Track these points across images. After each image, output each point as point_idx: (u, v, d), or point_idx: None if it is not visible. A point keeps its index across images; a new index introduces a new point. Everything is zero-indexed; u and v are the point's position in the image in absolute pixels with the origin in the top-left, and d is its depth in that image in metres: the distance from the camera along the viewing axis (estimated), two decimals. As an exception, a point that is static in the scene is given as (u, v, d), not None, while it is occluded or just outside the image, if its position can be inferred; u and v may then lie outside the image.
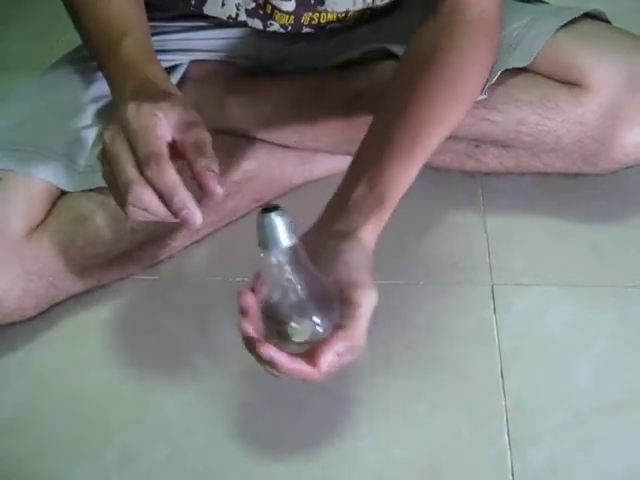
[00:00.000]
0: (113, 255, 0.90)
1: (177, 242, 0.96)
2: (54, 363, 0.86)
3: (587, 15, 0.94)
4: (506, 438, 0.75)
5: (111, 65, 0.76)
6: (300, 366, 0.62)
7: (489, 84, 0.86)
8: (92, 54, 0.80)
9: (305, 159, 1.03)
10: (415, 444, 0.75)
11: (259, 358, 0.63)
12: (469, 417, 0.77)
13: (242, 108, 0.99)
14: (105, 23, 0.77)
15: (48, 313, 0.89)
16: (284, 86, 0.99)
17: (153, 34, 0.96)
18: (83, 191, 0.88)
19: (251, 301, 0.65)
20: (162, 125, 0.65)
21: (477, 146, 0.96)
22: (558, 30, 0.90)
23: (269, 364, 0.62)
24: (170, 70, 0.96)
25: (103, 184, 0.85)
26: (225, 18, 0.93)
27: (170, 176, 0.64)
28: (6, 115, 0.92)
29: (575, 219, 0.96)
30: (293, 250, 0.63)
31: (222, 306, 0.90)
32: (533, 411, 0.77)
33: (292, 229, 0.63)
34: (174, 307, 0.91)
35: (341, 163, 1.04)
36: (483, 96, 0.87)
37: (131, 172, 0.64)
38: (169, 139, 0.66)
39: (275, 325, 0.65)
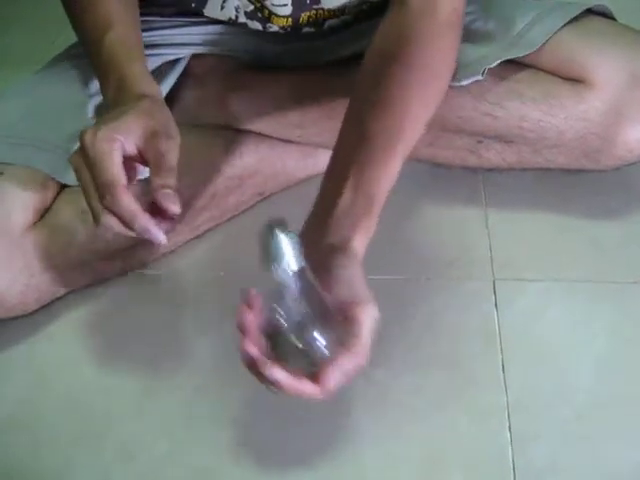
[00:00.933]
0: (114, 250, 0.90)
1: (178, 237, 0.96)
2: (55, 358, 0.86)
3: (591, 11, 0.93)
4: (507, 434, 0.75)
5: (96, 62, 0.78)
6: (306, 387, 0.62)
7: (488, 67, 0.86)
8: (84, 50, 0.82)
9: (307, 153, 1.02)
10: (416, 440, 0.75)
11: (261, 377, 0.62)
12: (470, 413, 0.77)
13: (244, 103, 0.99)
14: (92, 18, 0.79)
15: (49, 308, 0.89)
16: (285, 81, 0.99)
17: (154, 29, 0.97)
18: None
19: (251, 319, 0.64)
20: (118, 149, 0.66)
21: (480, 142, 0.96)
22: (562, 26, 0.90)
23: (273, 385, 0.62)
24: (171, 64, 0.96)
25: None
26: (225, 20, 0.93)
27: (125, 205, 0.65)
28: (6, 110, 0.92)
29: (577, 215, 0.96)
30: (302, 270, 0.63)
31: (224, 301, 0.90)
32: (534, 407, 0.77)
33: (300, 248, 0.62)
34: (175, 302, 0.91)
35: (343, 158, 1.05)
36: (479, 77, 0.87)
37: (94, 202, 0.67)
38: (134, 152, 0.68)
39: (277, 344, 0.64)
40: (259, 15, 0.91)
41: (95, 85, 0.92)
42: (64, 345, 0.87)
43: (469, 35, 0.91)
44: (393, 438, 0.76)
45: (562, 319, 0.85)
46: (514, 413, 0.76)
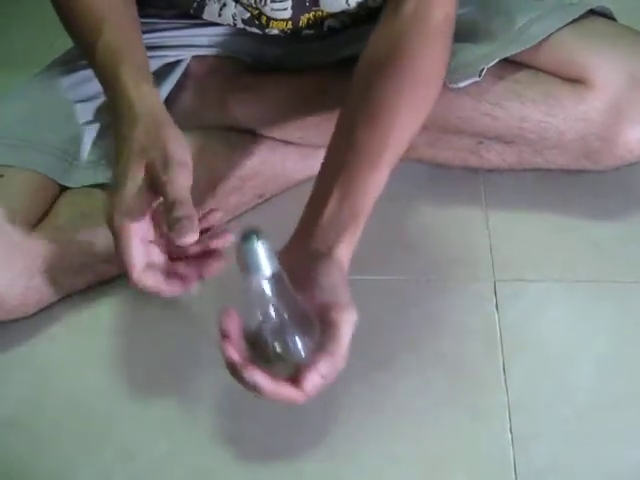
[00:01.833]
0: (114, 251, 0.90)
1: (179, 238, 0.96)
2: (56, 359, 0.86)
3: (592, 12, 0.93)
4: (508, 434, 0.75)
5: (92, 67, 0.80)
6: (285, 391, 0.63)
7: (487, 67, 0.86)
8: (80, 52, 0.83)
9: (307, 155, 1.02)
10: (417, 441, 0.75)
11: (242, 381, 0.63)
12: (471, 413, 0.77)
13: (244, 105, 0.99)
14: (81, 23, 0.80)
15: (50, 309, 0.89)
16: (286, 82, 0.99)
17: (154, 30, 0.97)
18: (84, 187, 0.88)
19: (232, 323, 0.65)
20: (134, 236, 0.69)
21: (480, 142, 0.96)
22: (562, 27, 0.90)
23: (253, 388, 0.63)
24: (171, 66, 0.96)
25: (103, 180, 0.87)
26: (225, 24, 0.93)
27: (148, 286, 0.71)
28: (5, 112, 0.92)
29: (577, 215, 0.96)
30: (276, 276, 0.64)
31: (225, 302, 0.90)
32: (535, 407, 0.77)
33: (273, 255, 0.63)
34: (177, 303, 0.91)
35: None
36: (477, 79, 0.87)
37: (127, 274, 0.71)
38: (151, 206, 0.70)
39: (257, 349, 0.66)
40: (256, 22, 0.91)
41: (94, 87, 0.93)
42: (65, 347, 0.87)
43: (468, 35, 0.91)
44: (394, 439, 0.76)
45: (563, 319, 0.85)
46: (515, 413, 0.76)
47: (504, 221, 0.96)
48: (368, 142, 0.75)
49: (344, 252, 0.70)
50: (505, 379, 0.79)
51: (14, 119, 0.90)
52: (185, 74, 0.98)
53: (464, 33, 0.91)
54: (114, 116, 0.74)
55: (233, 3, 0.90)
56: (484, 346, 0.83)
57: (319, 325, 0.65)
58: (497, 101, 0.91)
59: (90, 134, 0.91)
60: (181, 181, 0.68)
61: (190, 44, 0.98)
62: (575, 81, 0.91)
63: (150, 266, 0.71)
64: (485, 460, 0.73)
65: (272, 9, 0.88)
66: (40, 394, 0.83)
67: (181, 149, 0.70)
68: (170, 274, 0.72)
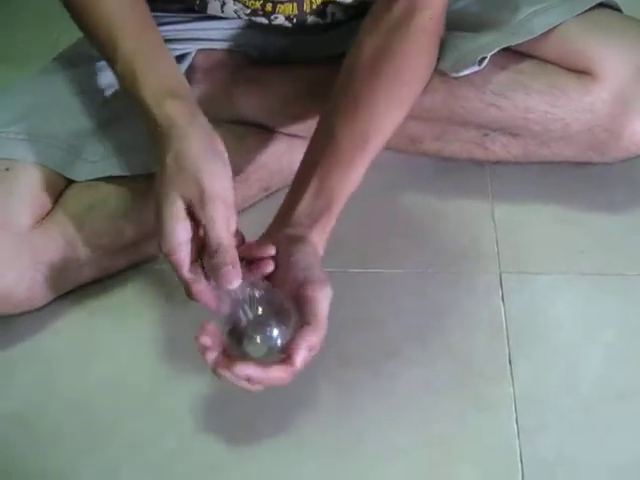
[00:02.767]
0: (120, 245, 0.90)
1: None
2: (62, 353, 0.86)
3: (598, 3, 0.93)
4: (514, 425, 0.75)
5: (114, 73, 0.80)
6: (274, 373, 0.66)
7: (487, 55, 0.86)
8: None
9: (312, 148, 1.03)
10: (422, 432, 0.75)
11: (231, 377, 0.67)
12: (477, 405, 0.77)
13: (250, 98, 0.99)
14: (97, 33, 0.80)
15: (56, 303, 0.89)
16: (291, 75, 0.99)
17: (159, 24, 0.96)
18: (90, 181, 0.88)
19: (209, 336, 0.68)
20: (185, 258, 0.70)
21: (486, 135, 0.96)
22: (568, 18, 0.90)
23: (247, 381, 0.67)
24: (178, 59, 0.96)
25: (110, 174, 0.87)
26: (230, 18, 0.93)
27: (203, 301, 0.72)
28: (11, 106, 0.92)
29: (583, 208, 0.96)
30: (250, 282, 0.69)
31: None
32: (541, 399, 0.77)
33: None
34: (182, 296, 0.90)
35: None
36: (477, 68, 0.87)
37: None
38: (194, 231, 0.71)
39: (234, 342, 0.69)
40: (260, 12, 0.91)
41: (101, 80, 0.93)
42: (71, 341, 0.87)
43: (471, 26, 0.91)
44: (400, 429, 0.76)
45: (569, 311, 0.85)
46: (521, 404, 0.76)
47: (510, 213, 0.96)
48: (344, 140, 0.79)
49: (317, 239, 0.74)
50: (511, 371, 0.79)
51: (19, 113, 0.90)
52: (191, 68, 0.97)
53: (467, 24, 0.91)
54: (147, 130, 0.76)
55: (232, 0, 0.91)
56: (490, 338, 0.83)
57: (297, 302, 0.69)
58: (502, 91, 0.91)
59: (96, 127, 0.91)
60: (221, 221, 0.69)
61: (196, 37, 0.98)
62: (581, 72, 0.90)
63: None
64: (491, 451, 0.73)
65: None
66: (45, 388, 0.83)
67: (216, 180, 0.71)
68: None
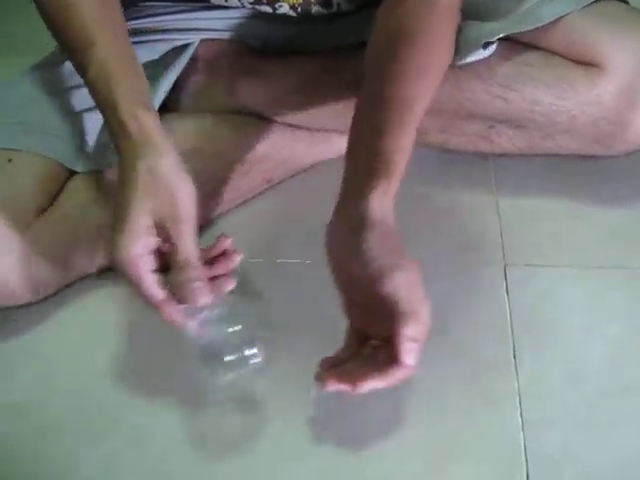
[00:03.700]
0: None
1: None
2: (64, 345, 0.86)
3: None
4: (519, 420, 0.75)
5: (85, 83, 0.77)
6: (394, 374, 0.64)
7: (491, 41, 0.86)
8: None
9: (316, 139, 1.02)
10: (426, 426, 0.75)
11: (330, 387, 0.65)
12: (481, 398, 0.77)
13: (252, 88, 0.98)
14: (70, 38, 0.77)
15: (58, 295, 0.89)
16: (294, 66, 0.98)
17: (163, 14, 0.96)
18: (92, 172, 0.88)
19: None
20: (145, 268, 0.69)
21: (491, 127, 0.96)
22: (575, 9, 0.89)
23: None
24: (180, 49, 0.96)
25: (111, 165, 0.86)
26: (233, 7, 0.93)
27: (169, 319, 0.70)
28: (12, 97, 0.92)
29: (588, 201, 0.96)
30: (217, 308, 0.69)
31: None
32: (546, 392, 0.77)
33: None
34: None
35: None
36: (482, 54, 0.87)
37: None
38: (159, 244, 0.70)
39: (206, 360, 0.70)
40: (264, 1, 0.90)
41: None
42: (73, 332, 0.87)
43: (476, 14, 0.90)
44: (404, 427, 0.76)
45: (573, 305, 0.84)
46: (525, 399, 0.76)
47: (514, 206, 0.96)
48: (393, 103, 0.74)
49: (379, 209, 0.69)
50: (515, 364, 0.79)
51: (20, 103, 0.90)
52: (193, 58, 0.97)
53: (473, 12, 0.90)
54: (112, 138, 0.73)
55: None
56: (494, 331, 0.82)
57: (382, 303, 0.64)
58: (508, 83, 0.91)
59: (98, 119, 0.90)
60: (191, 239, 0.69)
61: (199, 27, 0.98)
62: (588, 64, 0.90)
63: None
64: (495, 446, 0.73)
65: None
66: (45, 382, 0.83)
67: (188, 199, 0.70)
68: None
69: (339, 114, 0.98)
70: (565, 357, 0.80)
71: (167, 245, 0.69)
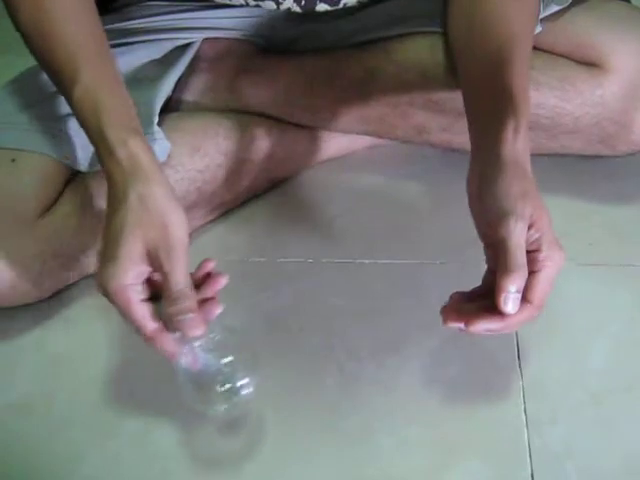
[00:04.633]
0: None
1: (192, 222, 0.95)
2: (69, 343, 0.86)
3: None
4: (523, 417, 0.74)
5: (70, 106, 0.75)
6: (498, 322, 0.65)
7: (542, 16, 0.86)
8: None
9: (318, 138, 1.02)
10: (431, 424, 0.75)
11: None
12: (486, 396, 0.77)
13: (256, 87, 0.98)
14: (56, 66, 0.75)
15: (63, 293, 0.89)
16: (298, 65, 0.98)
17: (165, 13, 0.96)
18: (95, 171, 0.87)
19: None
20: (135, 297, 0.67)
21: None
22: (578, 8, 0.89)
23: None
24: (182, 48, 0.96)
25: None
26: (237, 5, 0.93)
27: (160, 348, 0.68)
28: (16, 96, 0.92)
29: (591, 199, 0.96)
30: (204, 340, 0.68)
31: (237, 286, 0.90)
32: (550, 390, 0.77)
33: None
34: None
35: (355, 143, 1.05)
36: (539, 29, 0.86)
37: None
38: (149, 275, 0.68)
39: (201, 389, 0.69)
40: None
41: None
42: (78, 331, 0.87)
43: None
44: (408, 422, 0.75)
45: (578, 303, 0.84)
46: (529, 397, 0.76)
47: (518, 205, 0.96)
48: (497, 45, 0.75)
49: (508, 155, 0.67)
50: (519, 363, 0.79)
51: (24, 103, 0.90)
52: (196, 57, 0.97)
53: None
54: (101, 164, 0.71)
55: None
56: (498, 329, 0.82)
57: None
58: None
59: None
60: (184, 269, 0.67)
61: (202, 26, 0.97)
62: (590, 65, 0.90)
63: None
64: (499, 444, 0.73)
65: None
66: (52, 379, 0.83)
67: (180, 228, 0.68)
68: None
69: (343, 114, 0.98)
70: (569, 355, 0.79)
71: (157, 274, 0.67)
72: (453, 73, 0.88)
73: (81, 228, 0.86)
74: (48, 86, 0.92)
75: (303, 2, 0.90)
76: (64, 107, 0.90)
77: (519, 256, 0.63)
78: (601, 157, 0.97)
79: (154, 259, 0.67)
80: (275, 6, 0.91)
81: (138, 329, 0.68)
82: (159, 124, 0.88)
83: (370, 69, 0.94)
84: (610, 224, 0.92)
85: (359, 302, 0.86)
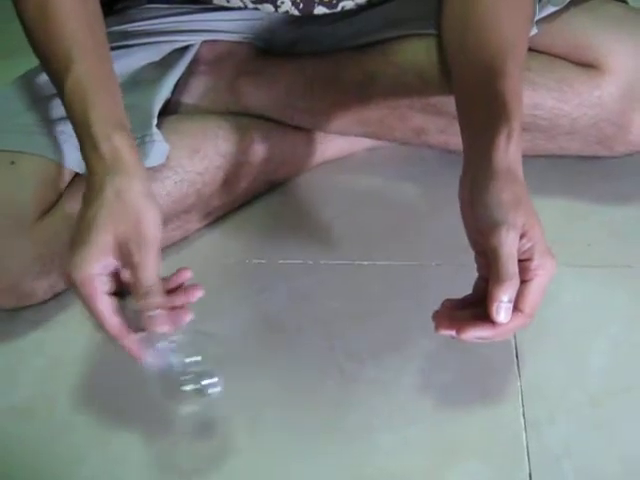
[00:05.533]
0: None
1: (190, 224, 0.96)
2: (70, 345, 0.86)
3: None
4: (521, 419, 0.74)
5: (60, 99, 0.76)
6: (489, 330, 0.65)
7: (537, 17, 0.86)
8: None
9: (318, 141, 1.02)
10: (429, 426, 0.75)
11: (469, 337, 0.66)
12: (484, 398, 0.77)
13: (255, 89, 0.98)
14: (50, 53, 0.76)
15: (63, 295, 0.89)
16: (297, 67, 0.98)
17: (164, 15, 0.96)
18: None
19: None
20: (100, 289, 0.67)
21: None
22: (574, 10, 0.89)
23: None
24: (181, 51, 0.96)
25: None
26: (235, 7, 0.93)
27: (121, 343, 0.68)
28: (15, 98, 0.92)
29: (589, 200, 0.96)
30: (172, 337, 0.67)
31: (236, 288, 0.90)
32: (548, 392, 0.77)
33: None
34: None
35: (353, 144, 1.05)
36: (535, 31, 0.86)
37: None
38: (117, 268, 0.68)
39: (169, 388, 0.68)
40: None
41: None
42: (78, 333, 0.87)
43: None
44: (408, 425, 0.75)
45: (576, 304, 0.84)
46: (528, 398, 0.76)
47: (516, 206, 0.96)
48: (488, 53, 0.75)
49: (501, 162, 0.67)
50: (518, 364, 0.79)
51: (23, 106, 0.90)
52: (195, 59, 0.97)
53: None
54: (83, 155, 0.72)
55: None
56: (496, 331, 0.82)
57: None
58: None
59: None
60: (155, 266, 0.67)
61: (201, 29, 0.97)
62: (588, 66, 0.90)
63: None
64: (498, 446, 0.73)
65: None
66: (53, 381, 0.83)
67: (154, 225, 0.68)
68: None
69: (342, 116, 0.98)
70: (567, 356, 0.80)
71: (125, 271, 0.67)
72: (449, 75, 0.88)
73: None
74: (47, 88, 0.92)
75: (301, 5, 0.91)
76: (63, 109, 0.90)
77: (511, 266, 0.63)
78: (599, 158, 0.97)
79: (124, 253, 0.66)
80: (273, 9, 0.91)
81: (100, 322, 0.67)
82: (158, 126, 0.88)
83: (369, 72, 0.94)
84: (608, 225, 0.92)
85: (358, 303, 0.87)
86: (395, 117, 0.97)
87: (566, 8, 0.89)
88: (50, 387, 0.82)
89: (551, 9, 0.87)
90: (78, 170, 0.87)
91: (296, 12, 0.91)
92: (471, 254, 0.90)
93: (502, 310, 0.64)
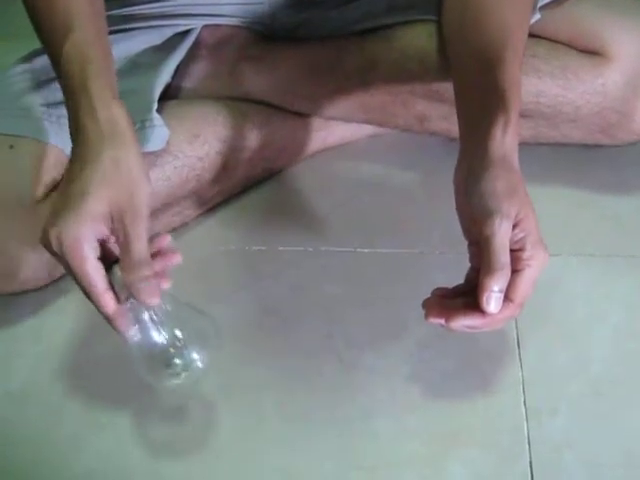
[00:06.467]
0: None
1: (190, 210, 0.95)
2: (67, 331, 0.86)
3: None
4: (523, 408, 0.74)
5: (55, 70, 0.74)
6: (480, 319, 0.65)
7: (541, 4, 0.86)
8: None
9: (318, 127, 1.02)
10: (430, 415, 0.75)
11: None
12: (485, 387, 0.77)
13: (256, 74, 0.98)
14: (50, 21, 0.74)
15: (61, 281, 0.89)
16: (299, 53, 0.97)
17: (165, -1, 0.96)
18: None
19: None
20: (89, 252, 0.64)
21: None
22: None
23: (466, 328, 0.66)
24: (182, 35, 0.95)
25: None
26: None
27: (106, 311, 0.67)
28: (13, 83, 0.91)
29: (593, 189, 0.96)
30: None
31: (235, 275, 0.90)
32: (550, 381, 0.77)
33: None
34: (187, 276, 0.90)
35: (355, 131, 1.04)
36: (537, 16, 0.86)
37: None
38: (106, 236, 0.66)
39: (153, 363, 0.68)
40: None
41: None
42: (75, 319, 0.87)
43: None
44: (408, 413, 0.75)
45: (578, 293, 0.84)
46: (529, 388, 0.76)
47: (519, 194, 0.95)
48: (486, 44, 0.74)
49: (497, 151, 0.67)
50: (519, 353, 0.79)
51: (21, 89, 0.90)
52: (195, 43, 0.96)
53: None
54: (74, 117, 0.69)
55: None
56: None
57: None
58: None
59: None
60: (145, 237, 0.65)
61: (202, 13, 0.97)
62: (592, 53, 0.89)
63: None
64: (498, 435, 0.73)
65: None
66: (50, 366, 0.83)
67: (146, 198, 0.66)
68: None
69: (343, 102, 0.98)
70: (569, 345, 0.79)
71: (113, 242, 0.66)
72: (449, 62, 0.88)
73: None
74: (47, 72, 0.91)
75: None
76: (60, 94, 0.89)
77: (502, 256, 0.63)
78: (602, 147, 0.97)
79: (116, 223, 0.65)
80: None
81: (88, 286, 0.65)
82: (158, 111, 0.87)
83: (371, 57, 0.94)
84: (611, 214, 0.92)
85: (358, 291, 0.86)
86: (397, 104, 0.96)
87: (570, -5, 0.89)
88: (46, 373, 0.82)
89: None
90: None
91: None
92: (472, 243, 0.90)
93: (492, 300, 0.63)
